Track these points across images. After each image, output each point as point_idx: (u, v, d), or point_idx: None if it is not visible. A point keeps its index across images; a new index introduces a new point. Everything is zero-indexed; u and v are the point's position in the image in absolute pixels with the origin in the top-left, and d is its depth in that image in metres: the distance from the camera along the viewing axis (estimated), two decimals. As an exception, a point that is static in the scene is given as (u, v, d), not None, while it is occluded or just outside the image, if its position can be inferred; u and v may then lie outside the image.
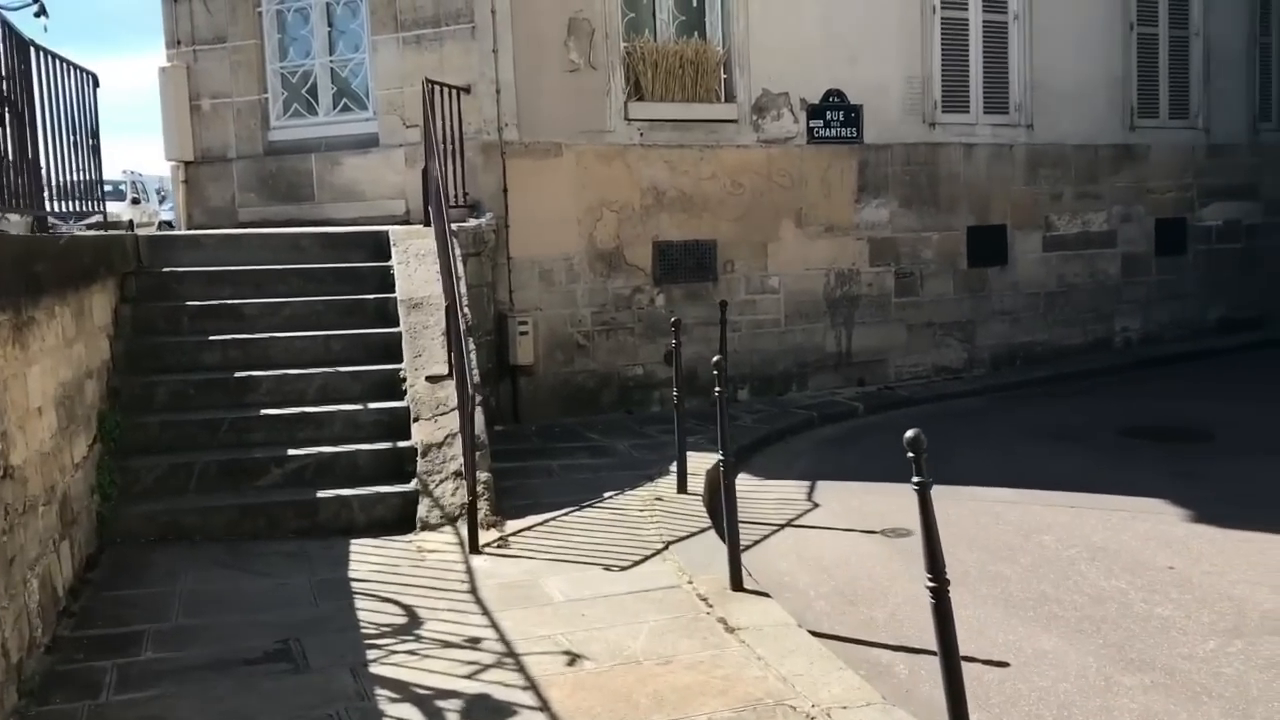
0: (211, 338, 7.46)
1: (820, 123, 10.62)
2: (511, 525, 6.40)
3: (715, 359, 5.37)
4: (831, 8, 10.60)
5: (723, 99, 10.27)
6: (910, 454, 3.59)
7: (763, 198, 10.40)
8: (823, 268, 10.78)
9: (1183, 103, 12.97)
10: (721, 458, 5.35)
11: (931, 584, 3.61)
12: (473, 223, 8.92)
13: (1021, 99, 11.77)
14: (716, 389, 5.36)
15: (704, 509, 6.76)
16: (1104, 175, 12.43)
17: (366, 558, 5.95)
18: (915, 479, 3.61)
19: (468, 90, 9.14)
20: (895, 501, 7.05)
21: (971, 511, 6.77)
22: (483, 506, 6.39)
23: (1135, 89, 12.56)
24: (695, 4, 10.27)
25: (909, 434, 3.58)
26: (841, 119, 10.71)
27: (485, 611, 5.06)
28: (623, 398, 9.93)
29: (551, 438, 8.83)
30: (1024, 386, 11.37)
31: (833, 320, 10.89)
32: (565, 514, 6.63)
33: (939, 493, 6.91)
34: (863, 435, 9.35)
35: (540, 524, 6.44)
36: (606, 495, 7.04)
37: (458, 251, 7.64)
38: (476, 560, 5.83)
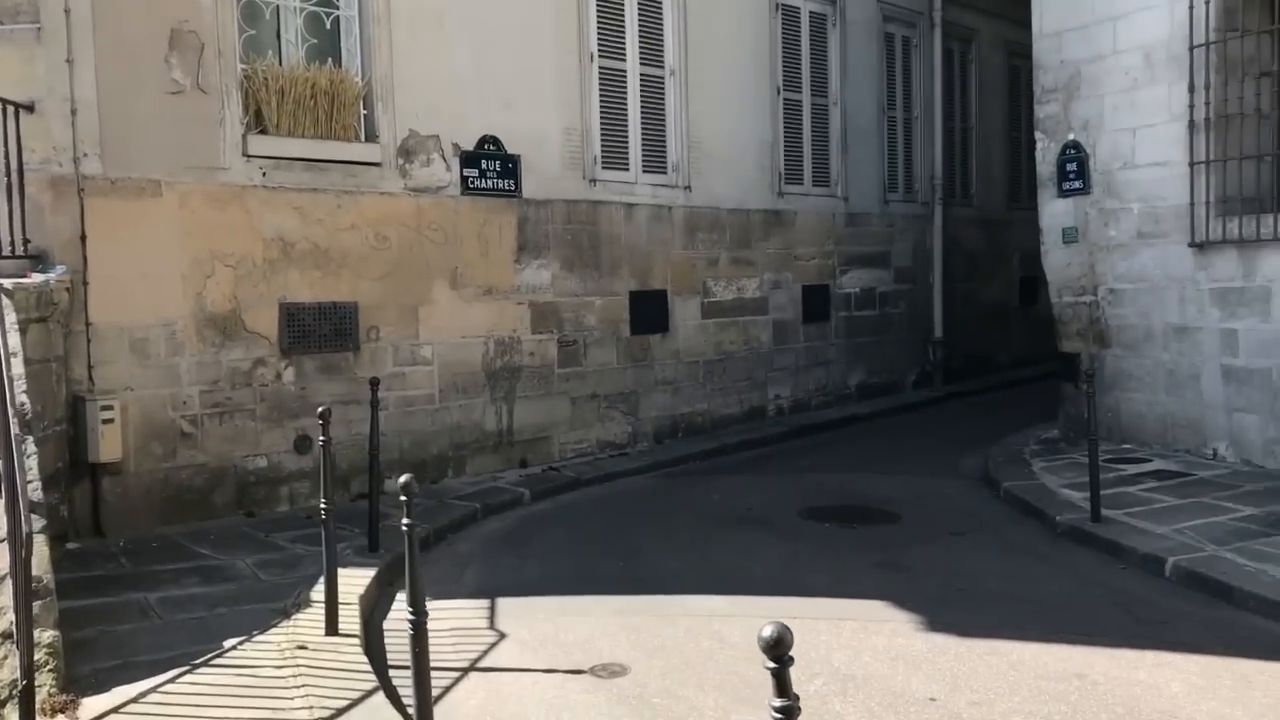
0: None
1: (475, 172, 9.40)
2: (92, 705, 4.55)
3: (404, 479, 3.91)
4: (483, 44, 9.46)
5: (364, 138, 8.79)
6: (771, 665, 2.40)
7: (413, 254, 8.99)
8: (481, 335, 9.52)
9: (824, 170, 13.03)
10: (412, 617, 3.87)
11: None
12: (37, 278, 6.83)
13: (679, 159, 11.20)
14: (405, 521, 3.90)
15: (363, 657, 5.22)
16: (756, 241, 12.14)
17: None
18: (777, 703, 2.40)
19: (31, 108, 7.09)
20: (594, 624, 5.88)
21: (689, 632, 5.70)
22: (46, 682, 4.51)
23: (783, 155, 12.43)
24: (329, 26, 8.75)
25: (767, 634, 2.39)
26: (498, 169, 9.56)
27: None
28: (242, 497, 8.09)
29: (148, 557, 6.86)
30: (689, 460, 10.68)
31: (493, 394, 9.63)
32: (171, 680, 4.85)
33: (644, 606, 5.82)
34: (535, 530, 8.12)
35: (135, 700, 4.63)
36: (229, 645, 5.31)
37: (11, 318, 5.66)
38: (34, 777, 3.98)
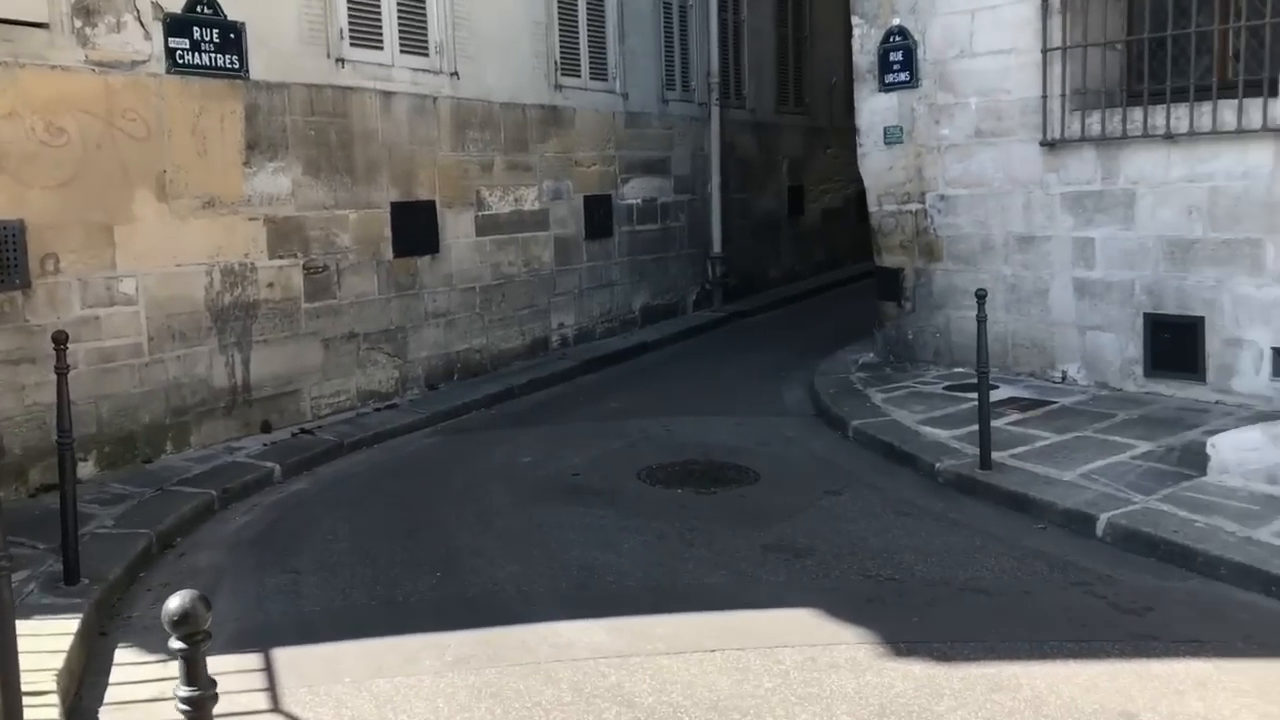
0: None
1: (186, 43, 6.99)
2: None
3: (175, 605, 1.90)
4: None
5: (19, -14, 6.22)
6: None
7: (102, 153, 6.54)
8: (203, 262, 7.20)
9: (602, 61, 11.24)
10: None
11: None
12: None
13: (443, 38, 9.09)
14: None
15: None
16: (533, 142, 10.24)
17: None
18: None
19: None
20: (432, 688, 4.04)
21: (577, 693, 3.96)
22: None
23: (558, 40, 10.53)
24: None
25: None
26: (216, 40, 7.18)
27: None
28: None
29: None
30: (474, 409, 8.83)
31: (222, 340, 7.36)
32: None
33: (496, 648, 4.05)
34: (300, 524, 6.07)
35: None
36: None
37: None
38: None
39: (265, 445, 7.39)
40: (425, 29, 8.95)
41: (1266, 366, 7.32)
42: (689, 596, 4.84)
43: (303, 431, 7.73)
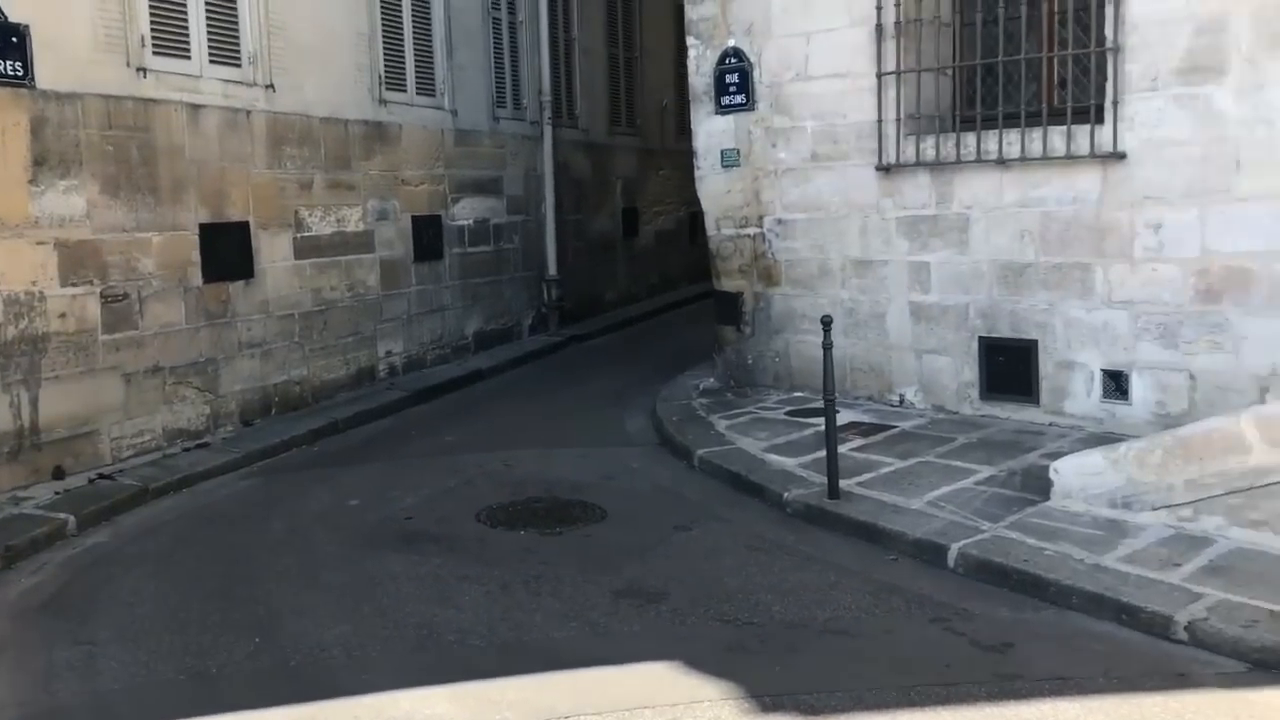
0: None
1: (-43, 46, 6.24)
2: None
3: None
4: None
5: None
6: None
7: None
8: (-18, 292, 6.44)
9: (429, 76, 10.78)
10: None
11: None
12: None
13: (257, 48, 8.50)
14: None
15: None
16: (357, 159, 9.70)
17: None
18: None
19: None
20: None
21: (418, 776, 3.56)
22: None
23: (382, 53, 10.03)
24: None
25: None
26: (-6, 44, 6.44)
27: None
28: None
29: None
30: (294, 446, 8.25)
31: (5, 378, 6.58)
32: None
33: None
34: (99, 584, 5.42)
35: None
36: None
37: None
38: None
39: (57, 494, 6.65)
40: (237, 38, 8.34)
41: (1097, 388, 7.46)
42: (538, 654, 4.48)
43: (101, 477, 7.00)
